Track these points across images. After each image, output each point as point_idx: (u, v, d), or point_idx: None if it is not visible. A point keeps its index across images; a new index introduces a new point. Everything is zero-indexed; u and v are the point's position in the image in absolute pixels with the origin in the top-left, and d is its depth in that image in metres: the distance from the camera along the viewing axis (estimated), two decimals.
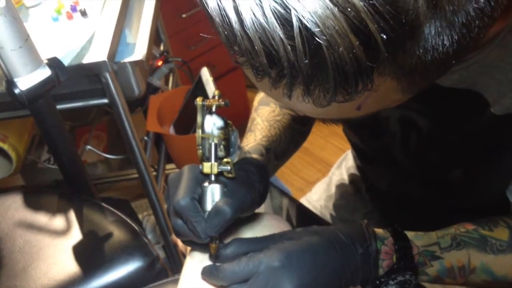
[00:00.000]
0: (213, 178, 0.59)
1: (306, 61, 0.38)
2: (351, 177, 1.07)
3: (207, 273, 0.60)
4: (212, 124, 0.59)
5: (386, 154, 0.79)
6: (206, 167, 0.59)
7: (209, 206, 0.59)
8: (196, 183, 0.60)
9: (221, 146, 0.60)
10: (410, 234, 0.62)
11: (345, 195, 1.08)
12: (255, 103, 0.88)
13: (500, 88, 0.57)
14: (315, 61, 0.38)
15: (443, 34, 0.40)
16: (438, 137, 0.69)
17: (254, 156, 0.74)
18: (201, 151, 0.59)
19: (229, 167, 0.59)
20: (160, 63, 1.44)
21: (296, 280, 0.55)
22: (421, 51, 0.41)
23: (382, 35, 0.37)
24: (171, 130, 1.55)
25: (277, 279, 0.55)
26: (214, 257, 0.60)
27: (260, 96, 0.88)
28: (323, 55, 0.38)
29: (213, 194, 0.59)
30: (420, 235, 0.62)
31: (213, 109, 0.59)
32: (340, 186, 1.09)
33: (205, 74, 1.46)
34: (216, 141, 0.59)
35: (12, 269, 0.91)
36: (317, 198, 1.12)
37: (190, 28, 2.01)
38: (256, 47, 0.39)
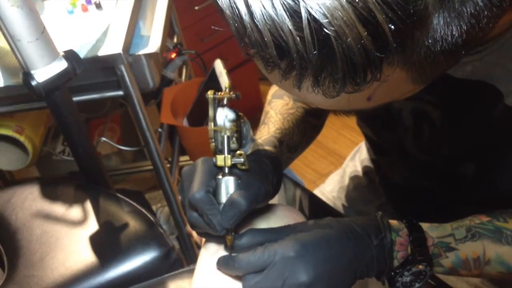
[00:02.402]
0: (226, 170, 0.60)
1: (315, 52, 0.38)
2: (365, 169, 1.07)
3: (222, 263, 0.60)
4: (224, 116, 0.59)
5: (399, 147, 0.79)
6: (220, 160, 0.59)
7: (223, 198, 0.59)
8: (210, 176, 0.61)
9: (234, 139, 0.60)
10: (424, 225, 0.62)
11: (359, 187, 1.08)
12: (269, 96, 0.88)
13: None
14: (324, 52, 0.38)
15: (452, 25, 0.40)
16: (451, 129, 0.68)
17: (267, 148, 0.74)
18: (213, 144, 0.60)
19: (242, 159, 0.59)
20: (173, 55, 1.45)
21: (312, 270, 0.55)
22: (430, 41, 0.41)
23: (390, 25, 0.37)
24: (185, 122, 1.56)
25: (292, 269, 0.55)
26: (230, 248, 0.61)
27: (274, 89, 0.88)
28: (331, 46, 0.38)
29: (228, 186, 0.59)
30: (435, 227, 0.62)
31: (225, 101, 0.59)
32: (354, 178, 1.09)
33: (219, 66, 1.46)
34: (228, 133, 0.59)
35: (30, 259, 0.92)
36: (331, 189, 1.12)
37: (203, 21, 2.01)
38: (265, 39, 0.39)
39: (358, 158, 1.10)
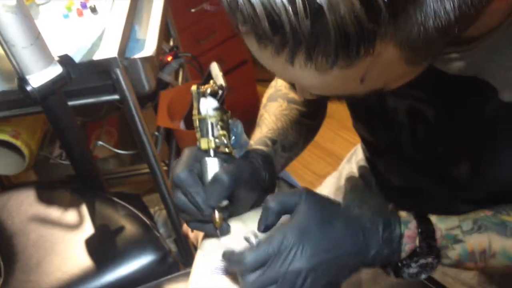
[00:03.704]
0: (212, 153, 0.61)
1: (308, 24, 0.38)
2: (361, 170, 1.07)
3: (228, 260, 0.59)
4: (207, 106, 0.61)
5: (395, 147, 0.79)
6: (203, 142, 0.61)
7: (209, 178, 0.60)
8: (195, 159, 0.61)
9: (218, 126, 0.61)
10: (433, 217, 0.61)
11: (355, 189, 1.08)
12: (264, 100, 0.88)
13: (507, 74, 0.57)
14: (317, 24, 0.39)
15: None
16: (446, 127, 0.68)
17: (259, 147, 0.74)
18: (199, 133, 0.61)
19: (225, 141, 0.60)
20: (170, 58, 1.45)
21: (315, 258, 0.54)
22: (422, 16, 0.41)
23: None
24: (182, 125, 1.56)
25: (290, 257, 0.54)
26: (218, 231, 0.61)
27: (269, 93, 0.89)
28: (324, 17, 0.38)
29: (212, 167, 0.60)
30: (443, 219, 0.62)
31: (207, 92, 0.61)
32: (350, 180, 1.09)
33: (215, 68, 1.45)
34: (213, 120, 0.61)
35: (26, 263, 0.92)
36: (327, 192, 1.12)
37: (199, 23, 2.01)
38: (258, 13, 0.39)
39: (354, 160, 1.10)
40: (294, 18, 0.38)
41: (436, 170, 0.77)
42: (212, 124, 0.61)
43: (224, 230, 0.62)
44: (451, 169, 0.72)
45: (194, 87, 0.61)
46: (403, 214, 0.61)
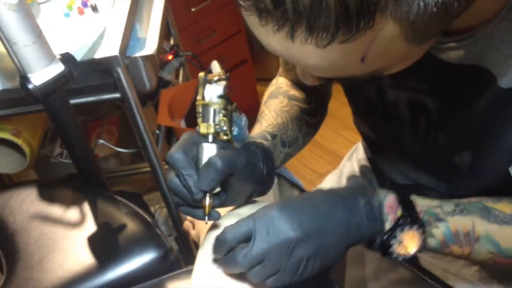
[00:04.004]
0: (210, 139, 0.60)
1: None
2: (362, 168, 1.08)
3: (215, 246, 0.59)
4: (212, 92, 0.61)
5: (396, 141, 0.79)
6: (203, 127, 0.60)
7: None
8: (192, 143, 0.61)
9: (220, 114, 0.61)
10: (411, 196, 0.62)
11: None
12: (265, 97, 0.88)
13: (507, 60, 0.57)
14: None
15: None
16: (447, 116, 0.69)
17: (258, 140, 0.74)
18: (200, 118, 0.61)
19: (225, 127, 0.60)
20: (170, 57, 1.45)
21: (298, 225, 0.54)
22: None
23: None
24: (182, 124, 1.56)
25: (276, 227, 0.54)
26: (207, 216, 0.60)
27: (270, 90, 0.89)
28: None
29: (209, 152, 0.60)
30: (422, 198, 0.62)
31: (214, 79, 0.61)
32: (351, 178, 1.09)
33: (215, 67, 1.46)
34: (215, 107, 0.60)
35: (28, 261, 0.93)
36: None
37: (200, 22, 2.01)
38: None
39: (355, 158, 1.11)
40: None
41: (436, 162, 0.77)
42: (214, 110, 0.60)
43: (213, 217, 0.61)
44: (452, 160, 0.72)
45: (201, 74, 0.61)
46: (380, 190, 0.61)
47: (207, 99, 0.61)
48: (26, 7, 0.80)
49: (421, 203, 0.61)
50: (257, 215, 0.57)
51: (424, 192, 0.83)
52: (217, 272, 0.62)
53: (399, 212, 0.59)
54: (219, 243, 0.58)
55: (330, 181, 1.14)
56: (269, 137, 0.76)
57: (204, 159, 0.60)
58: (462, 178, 0.73)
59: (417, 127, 0.73)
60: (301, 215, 0.56)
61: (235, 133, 0.63)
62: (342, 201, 0.58)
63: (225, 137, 0.61)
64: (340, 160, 1.16)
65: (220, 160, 0.58)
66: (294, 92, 0.86)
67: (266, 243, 0.55)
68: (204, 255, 0.65)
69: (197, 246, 0.75)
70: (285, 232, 0.55)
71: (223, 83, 0.61)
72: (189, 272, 0.67)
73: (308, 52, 0.45)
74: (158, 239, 0.94)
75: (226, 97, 0.61)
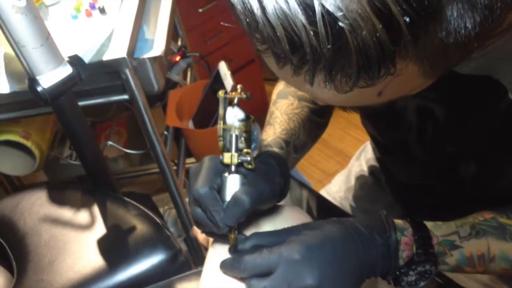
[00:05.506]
0: (233, 168, 0.60)
1: (329, 46, 0.38)
2: (371, 168, 1.07)
3: (227, 266, 0.60)
4: (234, 116, 0.60)
5: (403, 146, 0.78)
6: (227, 157, 0.59)
7: (228, 196, 0.59)
8: (216, 173, 0.61)
9: (242, 138, 0.60)
10: (429, 224, 0.62)
11: (365, 186, 1.08)
12: (273, 96, 0.88)
13: None
14: (338, 46, 0.38)
15: (466, 16, 0.40)
16: (455, 126, 0.68)
17: (275, 149, 0.74)
18: (222, 143, 0.60)
19: (249, 158, 0.59)
20: (178, 58, 1.45)
21: (318, 273, 0.55)
22: (443, 33, 0.41)
23: (405, 17, 0.37)
24: (190, 125, 1.56)
25: (298, 273, 0.55)
26: (232, 248, 0.61)
27: (278, 89, 0.89)
28: (346, 40, 0.38)
29: (233, 184, 0.60)
30: (439, 225, 0.62)
31: (235, 101, 0.60)
32: (360, 178, 1.09)
33: (223, 68, 1.46)
34: (237, 132, 0.60)
35: (38, 263, 0.93)
36: (337, 189, 1.12)
37: (207, 23, 2.01)
38: (278, 34, 0.39)
39: (363, 157, 1.10)
40: (314, 40, 0.38)
41: (443, 170, 0.77)
42: (236, 136, 0.59)
43: (238, 249, 0.61)
44: (458, 169, 0.72)
45: (221, 92, 0.60)
46: (399, 221, 0.61)
47: (228, 122, 0.60)
48: (34, 9, 0.80)
49: (438, 233, 0.61)
50: (279, 253, 0.56)
51: (433, 192, 0.83)
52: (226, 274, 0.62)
53: (414, 248, 0.59)
54: (235, 267, 0.59)
55: (339, 181, 1.13)
56: (283, 144, 0.76)
57: (228, 190, 0.59)
58: (469, 185, 0.73)
59: (424, 134, 0.73)
60: (322, 261, 0.55)
61: (253, 147, 0.62)
62: (360, 239, 0.57)
63: (249, 166, 0.60)
64: (348, 160, 1.16)
65: (247, 197, 0.57)
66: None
67: (284, 285, 0.55)
68: (214, 255, 0.64)
69: (206, 247, 0.75)
70: (305, 281, 0.54)
71: (244, 100, 0.60)
72: (199, 273, 0.67)
73: (327, 93, 0.44)
74: (168, 241, 0.94)
75: (246, 115, 0.60)
